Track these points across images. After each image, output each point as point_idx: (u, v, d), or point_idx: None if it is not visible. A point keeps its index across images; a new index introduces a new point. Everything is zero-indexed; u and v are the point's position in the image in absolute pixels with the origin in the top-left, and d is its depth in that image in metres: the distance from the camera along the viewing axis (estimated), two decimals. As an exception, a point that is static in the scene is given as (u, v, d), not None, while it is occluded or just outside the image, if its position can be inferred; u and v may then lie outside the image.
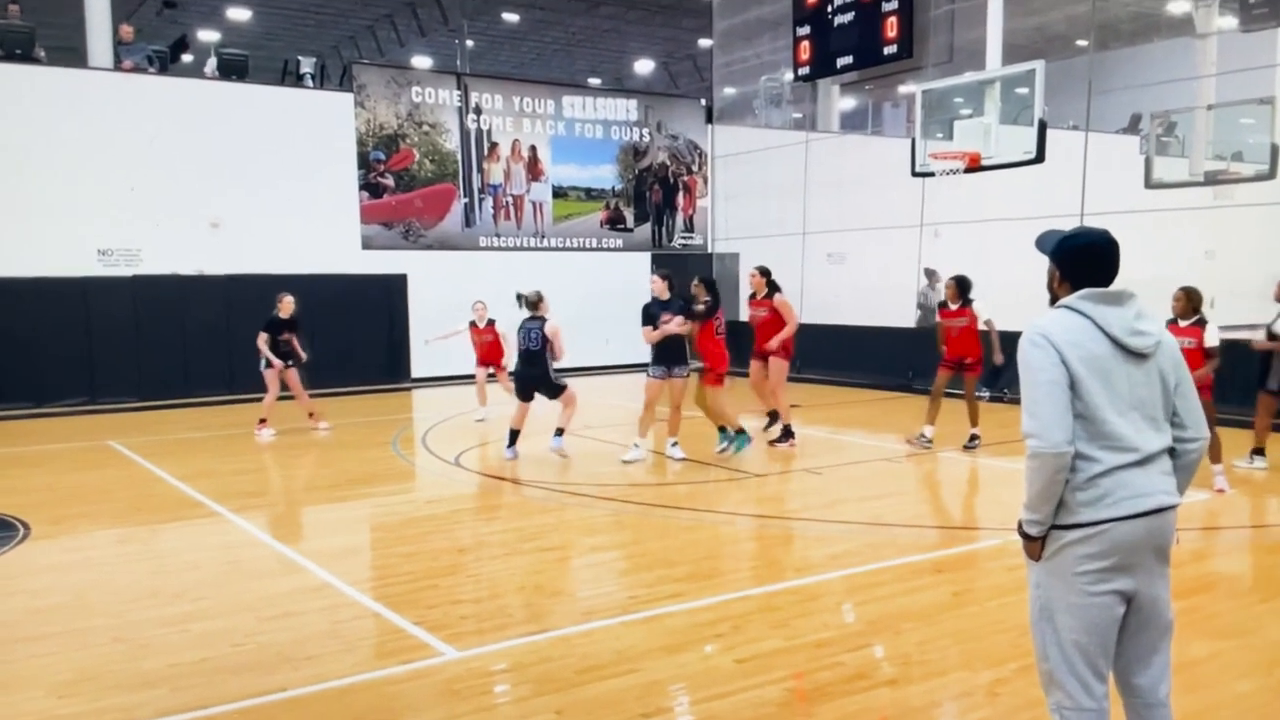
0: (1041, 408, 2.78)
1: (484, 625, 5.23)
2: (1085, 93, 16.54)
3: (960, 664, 4.67)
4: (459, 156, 17.93)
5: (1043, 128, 11.41)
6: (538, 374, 9.85)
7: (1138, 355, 2.84)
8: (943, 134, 12.85)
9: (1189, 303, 8.08)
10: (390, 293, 16.59)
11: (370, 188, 16.97)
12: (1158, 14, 26.22)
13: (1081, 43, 29.73)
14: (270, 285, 15.35)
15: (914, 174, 12.99)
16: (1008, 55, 13.58)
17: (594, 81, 30.46)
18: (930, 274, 16.76)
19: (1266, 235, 17.37)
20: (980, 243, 17.97)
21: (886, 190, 16.82)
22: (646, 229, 20.34)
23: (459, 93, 17.97)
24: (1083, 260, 2.96)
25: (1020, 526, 2.93)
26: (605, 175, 19.75)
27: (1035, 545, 2.91)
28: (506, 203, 18.49)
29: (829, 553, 6.70)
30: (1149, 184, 17.49)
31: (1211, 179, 17.59)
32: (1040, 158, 11.50)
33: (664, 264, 20.27)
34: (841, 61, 10.41)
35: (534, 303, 9.84)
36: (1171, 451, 2.90)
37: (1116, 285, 2.95)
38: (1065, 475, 2.77)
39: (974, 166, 11.96)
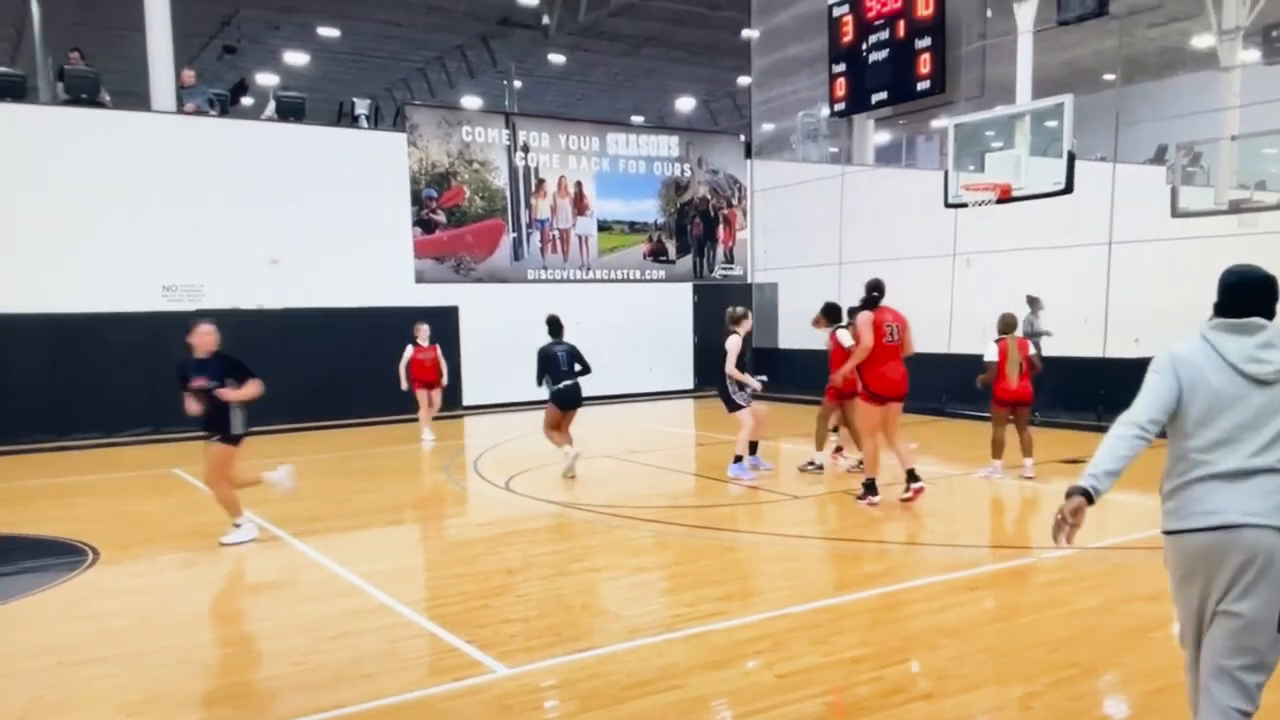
0: (1140, 394, 3.13)
1: (533, 643, 5.28)
2: (1113, 125, 16.48)
3: (993, 678, 4.67)
4: (508, 193, 18.16)
5: (1071, 159, 11.39)
6: (719, 382, 10.50)
7: (1260, 382, 2.95)
8: (974, 166, 12.87)
9: None
10: (443, 324, 16.81)
11: (423, 224, 17.24)
12: (1183, 48, 26.10)
13: (1109, 76, 29.64)
14: (327, 318, 15.73)
15: (947, 205, 13.02)
16: (1037, 89, 13.60)
17: (637, 119, 30.77)
18: (1033, 301, 16.68)
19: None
20: (1011, 271, 17.91)
21: (920, 221, 16.81)
22: (688, 260, 20.42)
23: (507, 131, 18.24)
24: (1223, 293, 3.11)
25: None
26: (648, 209, 19.89)
27: (1074, 504, 3.06)
28: (553, 236, 18.68)
29: (866, 571, 6.70)
30: (1175, 213, 17.51)
31: (1236, 207, 17.61)
32: (1069, 188, 11.48)
33: (704, 294, 20.47)
34: (876, 97, 10.45)
35: (736, 319, 10.45)
36: None
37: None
38: (1124, 448, 3.08)
39: (1005, 198, 11.98)
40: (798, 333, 13.16)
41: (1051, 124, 12.10)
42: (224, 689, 4.69)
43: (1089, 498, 3.04)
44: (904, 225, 18.85)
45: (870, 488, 8.67)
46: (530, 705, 4.47)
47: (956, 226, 16.29)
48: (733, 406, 10.29)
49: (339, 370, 15.35)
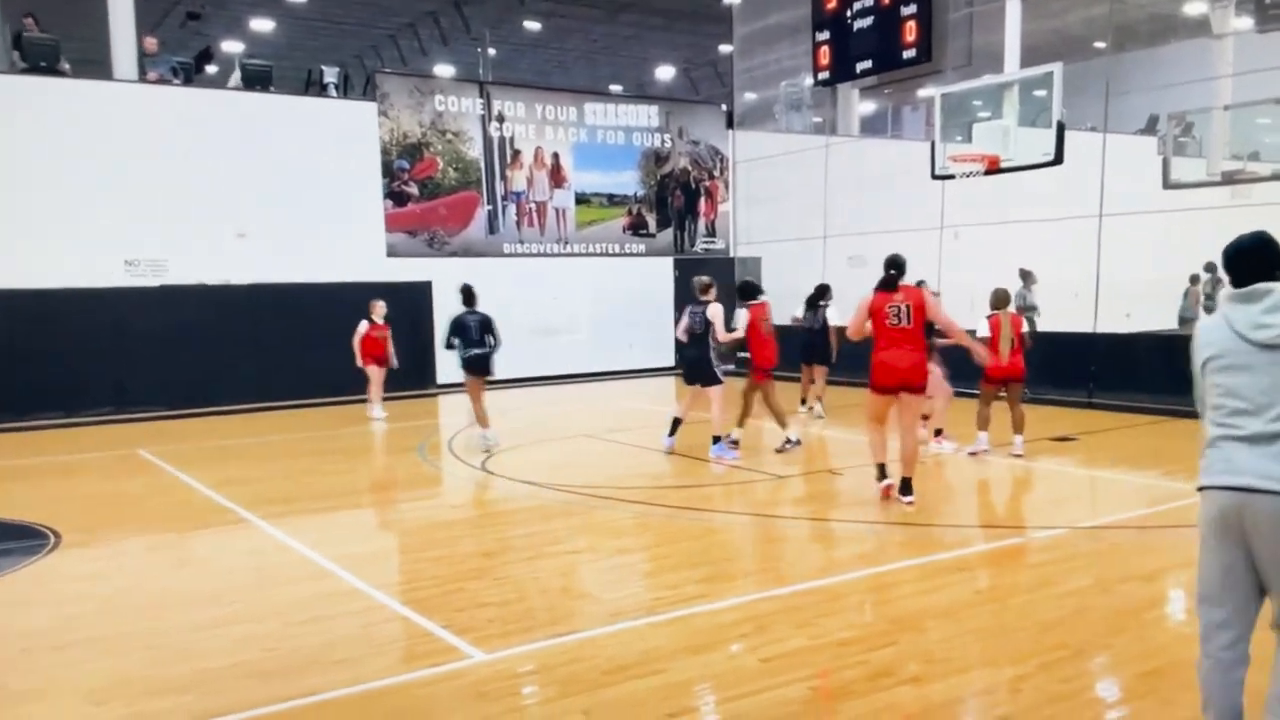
0: (1196, 393, 3.40)
1: (511, 628, 5.25)
2: (1103, 94, 16.46)
3: (983, 661, 4.67)
4: (482, 164, 18.02)
5: (1061, 129, 11.37)
6: (695, 355, 10.32)
7: (1267, 347, 3.08)
8: (962, 137, 12.84)
9: None
10: (415, 300, 16.70)
11: (394, 196, 17.09)
12: (1174, 16, 26.11)
13: (1099, 45, 29.59)
14: (295, 294, 15.57)
15: (934, 177, 12.99)
16: (1026, 58, 13.56)
17: (616, 88, 30.52)
18: (1026, 275, 16.76)
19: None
20: (1000, 244, 17.94)
21: (906, 193, 16.78)
22: (669, 234, 20.37)
23: (482, 101, 18.07)
24: (1227, 268, 3.28)
25: None
26: (627, 181, 19.80)
27: None
28: (530, 210, 18.57)
29: (852, 552, 6.71)
30: (1167, 184, 17.52)
31: (1229, 179, 17.63)
32: (1059, 159, 11.46)
33: (685, 268, 20.41)
34: (861, 66, 10.39)
35: (704, 288, 10.35)
36: None
37: None
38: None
39: (993, 169, 11.96)
40: (781, 309, 13.16)
41: (1040, 93, 12.08)
42: (192, 675, 4.64)
43: None
44: (890, 197, 18.83)
45: (905, 490, 7.87)
46: (508, 691, 4.44)
47: (944, 199, 16.28)
48: (711, 380, 10.22)
49: (308, 348, 15.21)
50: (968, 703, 4.28)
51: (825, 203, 19.72)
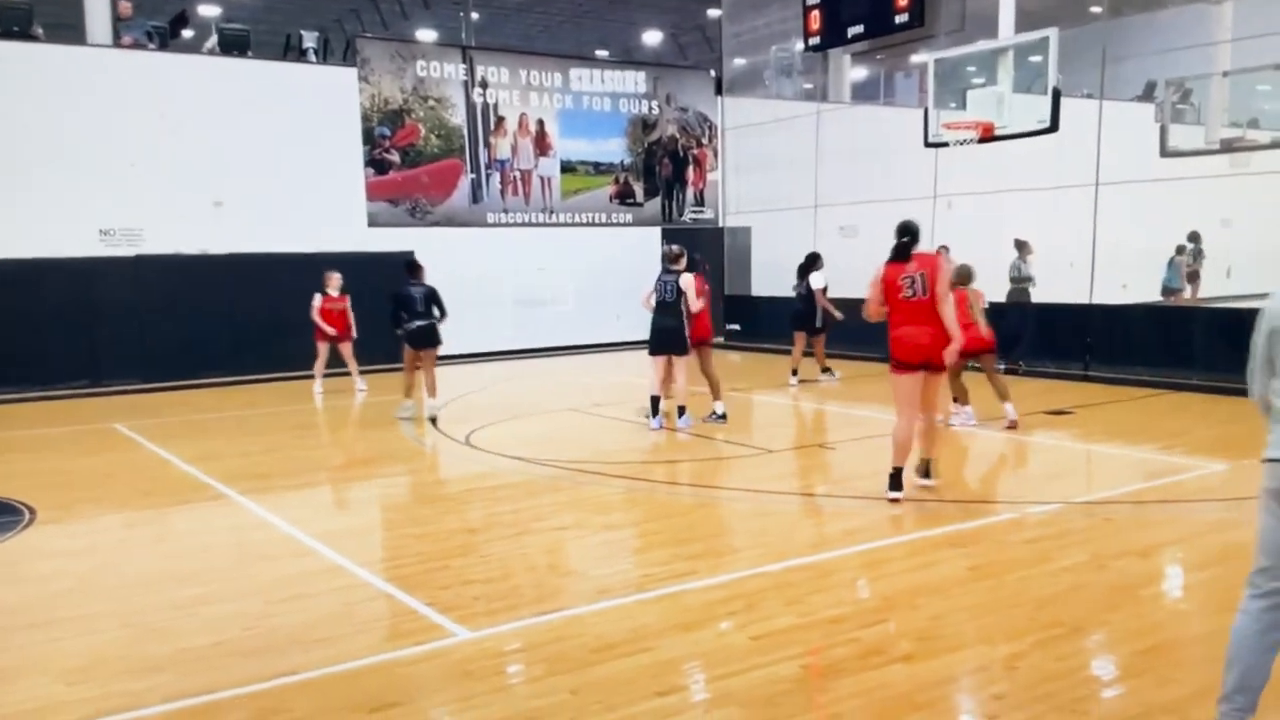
0: (1251, 366, 3.42)
1: (496, 605, 5.22)
2: (1099, 60, 16.38)
3: (977, 638, 4.66)
4: (465, 131, 17.84)
5: (1057, 96, 11.34)
6: (673, 325, 10.23)
7: None
8: (956, 104, 12.79)
9: None
10: (396, 270, 16.56)
11: (376, 164, 16.92)
12: None
13: (1095, 9, 29.49)
14: (275, 264, 15.42)
15: (927, 144, 12.96)
16: (1021, 23, 13.49)
17: (601, 53, 30.25)
18: (1021, 245, 16.77)
19: (1290, 201, 17.37)
20: (994, 213, 17.90)
21: (900, 161, 16.71)
22: (656, 203, 20.25)
23: (464, 66, 17.87)
24: None
25: None
26: (614, 149, 19.65)
27: None
28: (514, 178, 18.41)
29: (843, 528, 6.70)
30: (1164, 152, 17.51)
31: (1228, 146, 17.64)
32: (1054, 127, 11.43)
33: (674, 238, 20.32)
34: (852, 31, 10.32)
35: (674, 257, 10.36)
36: None
37: None
38: (1265, 414, 3.36)
39: (987, 136, 11.93)
40: (772, 279, 13.18)
41: (1036, 59, 12.02)
42: (170, 654, 4.60)
43: None
44: (882, 166, 18.74)
45: (925, 472, 7.63)
46: (494, 669, 4.42)
47: (937, 167, 16.21)
48: (683, 350, 10.26)
49: (288, 319, 15.07)
50: (961, 681, 4.26)
51: (816, 171, 19.62)
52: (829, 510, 7.33)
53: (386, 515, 7.76)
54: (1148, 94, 21.98)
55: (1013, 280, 15.97)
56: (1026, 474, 8.79)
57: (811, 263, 13.40)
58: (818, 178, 19.54)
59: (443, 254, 17.10)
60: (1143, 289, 19.56)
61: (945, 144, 12.66)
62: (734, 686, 4.15)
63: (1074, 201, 15.59)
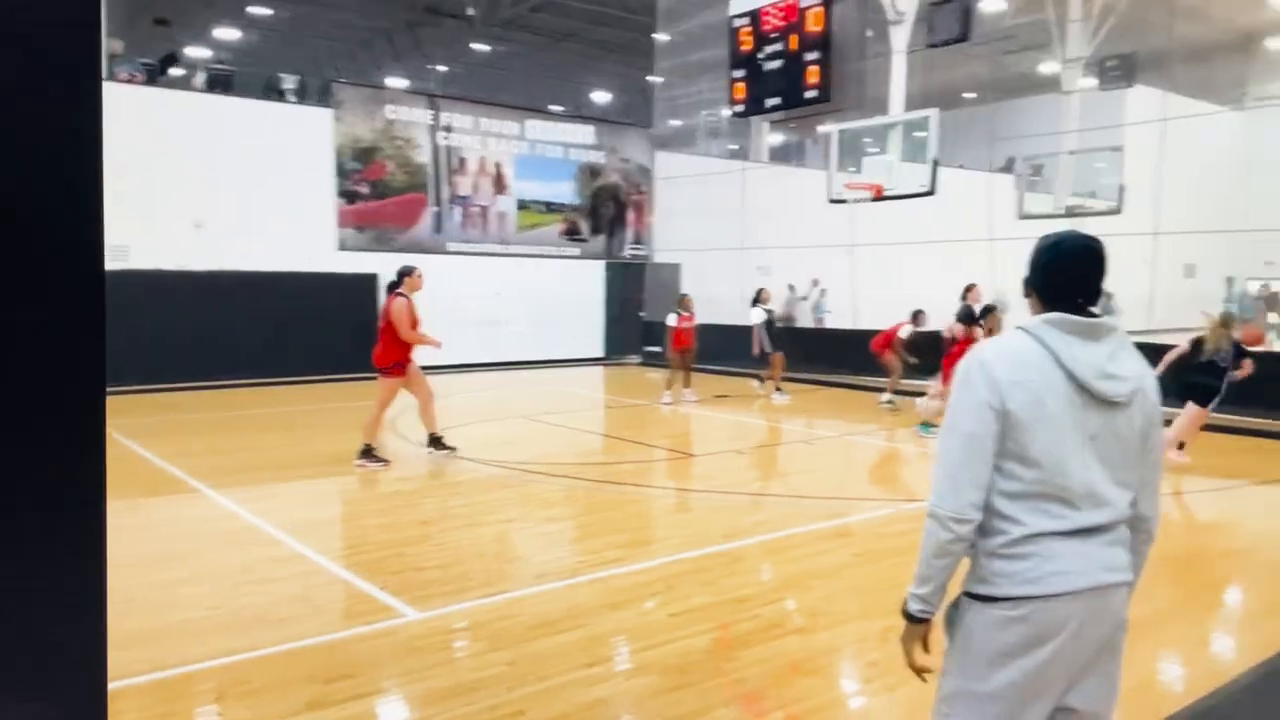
0: (949, 461, 2.05)
1: (446, 589, 5.13)
2: (972, 138, 17.13)
3: (858, 614, 4.76)
4: (429, 170, 17.69)
5: (935, 166, 11.77)
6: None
7: (1106, 403, 2.03)
8: (854, 168, 13.21)
9: None
10: (363, 290, 16.39)
11: (346, 195, 16.68)
12: (1032, 73, 27.40)
13: (969, 95, 30.76)
14: (249, 281, 15.11)
15: (830, 201, 13.33)
16: (909, 104, 14.03)
17: (556, 108, 30.32)
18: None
19: (1114, 261, 18.41)
20: (891, 261, 18.45)
21: (817, 214, 17.05)
22: (600, 240, 20.28)
23: (431, 112, 17.74)
24: (1056, 272, 2.13)
25: (905, 605, 2.15)
26: (564, 191, 19.62)
27: (917, 631, 2.13)
28: (474, 212, 18.30)
29: (752, 521, 6.73)
30: (1021, 215, 18.73)
31: (1071, 212, 19.01)
32: (932, 191, 11.86)
33: (615, 271, 20.40)
34: (770, 102, 10.50)
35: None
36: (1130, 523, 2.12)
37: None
38: (961, 548, 2.05)
39: (879, 196, 12.36)
40: (701, 309, 13.33)
41: (920, 134, 12.48)
42: (139, 631, 4.42)
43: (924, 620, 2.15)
44: (798, 217, 19.20)
45: None
46: (440, 645, 4.34)
47: (852, 219, 16.60)
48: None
49: (262, 332, 14.78)
50: (845, 650, 4.36)
51: (743, 219, 19.96)
52: (740, 505, 7.35)
53: (347, 509, 7.59)
54: (1009, 167, 22.97)
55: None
56: (903, 476, 8.91)
57: (756, 297, 13.41)
58: (744, 225, 19.86)
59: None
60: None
61: (845, 201, 13.05)
62: (653, 657, 4.14)
63: (959, 253, 16.12)
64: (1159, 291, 21.85)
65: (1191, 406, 8.40)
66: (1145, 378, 2.10)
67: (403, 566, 5.52)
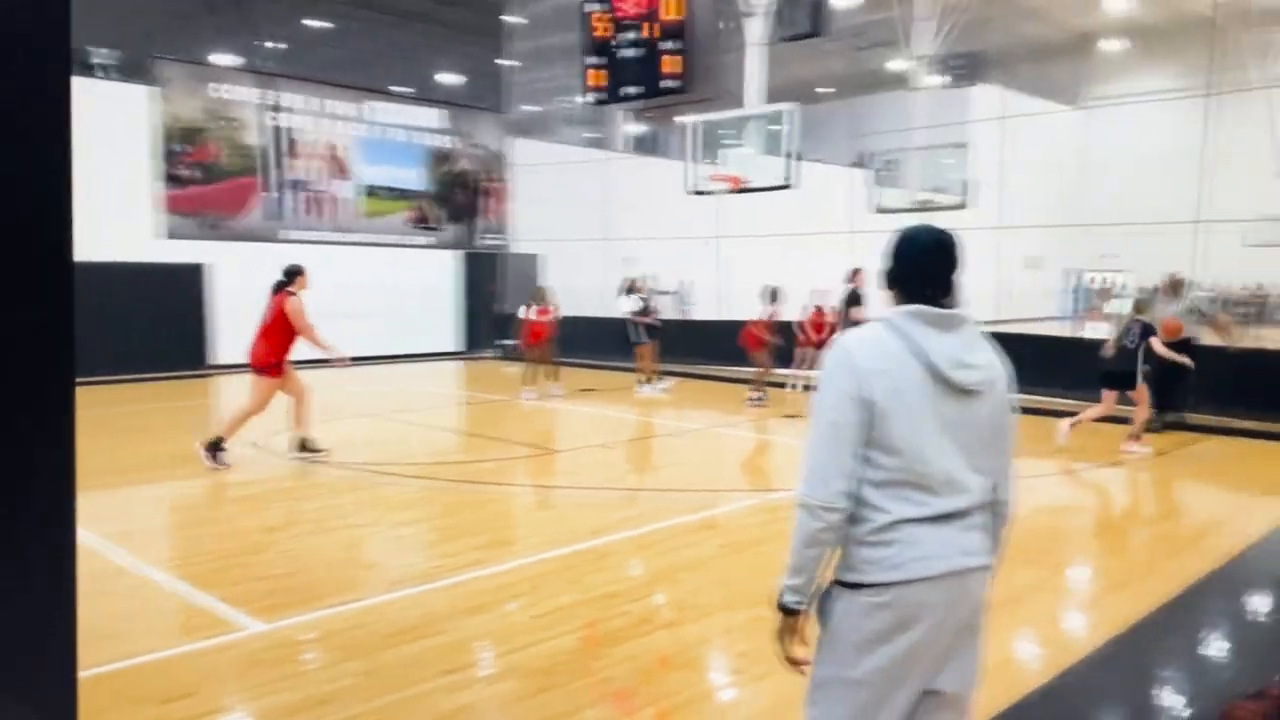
0: (818, 451, 2.11)
1: (292, 599, 4.93)
2: (830, 132, 17.88)
3: (725, 605, 4.86)
4: (263, 152, 16.94)
5: (791, 159, 12.21)
6: None
7: (961, 391, 2.13)
8: (713, 160, 13.51)
9: None
10: (190, 281, 15.53)
11: (172, 179, 15.76)
12: (884, 71, 28.89)
13: (824, 90, 32.06)
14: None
15: (689, 192, 13.61)
16: (767, 97, 14.52)
17: (402, 89, 29.60)
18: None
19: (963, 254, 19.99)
20: (756, 252, 19.01)
21: (678, 205, 17.35)
22: (454, 229, 19.94)
23: (261, 91, 16.98)
24: (910, 265, 2.22)
25: (779, 598, 2.21)
26: (412, 177, 19.18)
27: (792, 623, 2.20)
28: (311, 198, 17.65)
29: (619, 516, 6.78)
30: (874, 209, 19.86)
31: (921, 206, 20.36)
32: (790, 184, 12.27)
33: (470, 261, 20.10)
34: (628, 90, 10.61)
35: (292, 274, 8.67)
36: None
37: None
38: (831, 536, 2.12)
39: (738, 189, 12.66)
40: (564, 301, 13.34)
41: (777, 128, 12.90)
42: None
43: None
44: (666, 208, 19.51)
45: None
46: (287, 658, 4.16)
47: (717, 212, 16.94)
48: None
49: (77, 326, 13.79)
50: (714, 642, 4.45)
51: (605, 209, 20.08)
52: (607, 501, 7.38)
53: (180, 516, 7.18)
54: (862, 162, 24.12)
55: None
56: (767, 466, 9.20)
57: (626, 289, 13.77)
58: (606, 215, 19.96)
59: (238, 267, 16.19)
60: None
61: (704, 192, 13.34)
62: (517, 660, 4.10)
63: (812, 246, 16.75)
64: (1004, 284, 23.33)
65: (1104, 393, 9.08)
66: (997, 367, 2.22)
67: (244, 576, 5.27)
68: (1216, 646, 4.46)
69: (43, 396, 1.52)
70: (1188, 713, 3.69)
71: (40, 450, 1.49)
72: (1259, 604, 5.20)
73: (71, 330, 1.53)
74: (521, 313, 12.92)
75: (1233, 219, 20.00)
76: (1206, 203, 13.70)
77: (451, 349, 19.81)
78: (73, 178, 1.49)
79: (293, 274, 8.54)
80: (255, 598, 4.90)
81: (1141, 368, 8.89)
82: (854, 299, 11.22)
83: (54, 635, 1.51)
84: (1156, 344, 8.85)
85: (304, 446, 8.62)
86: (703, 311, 21.58)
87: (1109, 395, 9.08)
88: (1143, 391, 9.00)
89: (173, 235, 15.62)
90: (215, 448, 8.23)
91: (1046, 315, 32.89)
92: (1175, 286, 10.46)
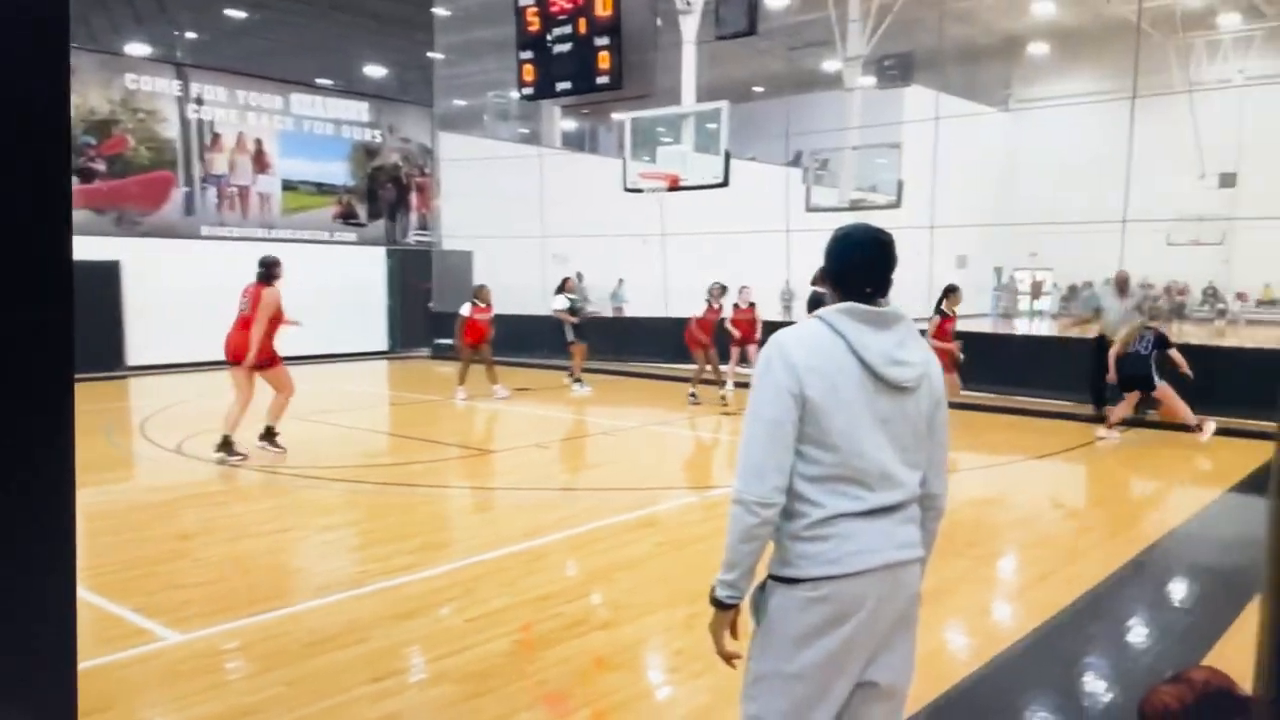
0: (753, 447, 2.14)
1: (211, 608, 4.81)
2: (758, 132, 18.08)
3: (663, 603, 4.88)
4: (178, 145, 16.50)
5: (728, 158, 12.35)
6: None
7: (895, 388, 2.19)
8: (649, 157, 13.58)
9: None
10: (105, 279, 15.04)
11: (80, 173, 15.26)
12: (818, 71, 29.35)
13: (759, 89, 32.41)
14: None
15: (625, 190, 13.65)
16: (700, 95, 14.71)
17: (325, 82, 29.09)
18: (620, 281, 18.26)
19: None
20: (693, 250, 19.15)
21: (613, 202, 17.37)
22: (381, 225, 19.66)
23: (179, 82, 16.55)
24: (846, 263, 2.27)
25: (713, 592, 2.23)
26: (337, 172, 18.88)
27: (726, 618, 2.23)
28: (231, 193, 17.24)
29: (554, 517, 6.76)
30: (809, 208, 20.23)
31: (855, 206, 20.80)
32: (726, 182, 12.42)
33: (397, 258, 19.84)
34: (561, 86, 10.59)
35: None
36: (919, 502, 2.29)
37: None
38: (767, 531, 2.15)
39: (674, 187, 12.77)
40: (496, 299, 13.25)
41: (712, 126, 13.04)
42: None
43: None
44: (600, 205, 19.54)
45: None
46: (206, 669, 4.06)
47: (654, 210, 16.99)
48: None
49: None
50: (650, 641, 4.46)
51: (538, 206, 20.01)
52: (541, 502, 7.36)
53: (89, 524, 6.92)
54: (796, 161, 24.47)
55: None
56: (703, 463, 9.27)
57: (560, 286, 13.80)
58: (539, 212, 19.90)
59: (152, 264, 15.75)
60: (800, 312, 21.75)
61: (640, 190, 13.39)
62: (450, 665, 4.07)
63: (749, 244, 16.91)
64: (936, 282, 23.88)
65: (1126, 395, 9.65)
66: (930, 364, 2.28)
67: (158, 586, 5.13)
68: (1137, 633, 4.63)
69: (44, 396, 1.52)
70: (1110, 697, 3.82)
71: (40, 450, 1.51)
72: (1176, 590, 5.41)
73: (71, 328, 1.57)
74: (466, 310, 12.79)
75: (1157, 219, 20.77)
76: (1132, 203, 14.19)
77: (378, 348, 19.54)
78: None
79: (269, 265, 8.93)
80: (172, 607, 4.77)
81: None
82: (816, 302, 11.37)
83: (52, 636, 1.51)
84: (1175, 354, 9.47)
85: (268, 436, 8.90)
86: (641, 309, 21.61)
87: (1130, 397, 9.59)
88: (1165, 390, 9.42)
89: (83, 231, 15.12)
90: (268, 437, 8.83)
91: (978, 313, 33.79)
92: (1122, 284, 10.82)
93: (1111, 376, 9.66)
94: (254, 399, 8.70)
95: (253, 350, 8.49)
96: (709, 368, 12.39)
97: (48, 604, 1.52)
